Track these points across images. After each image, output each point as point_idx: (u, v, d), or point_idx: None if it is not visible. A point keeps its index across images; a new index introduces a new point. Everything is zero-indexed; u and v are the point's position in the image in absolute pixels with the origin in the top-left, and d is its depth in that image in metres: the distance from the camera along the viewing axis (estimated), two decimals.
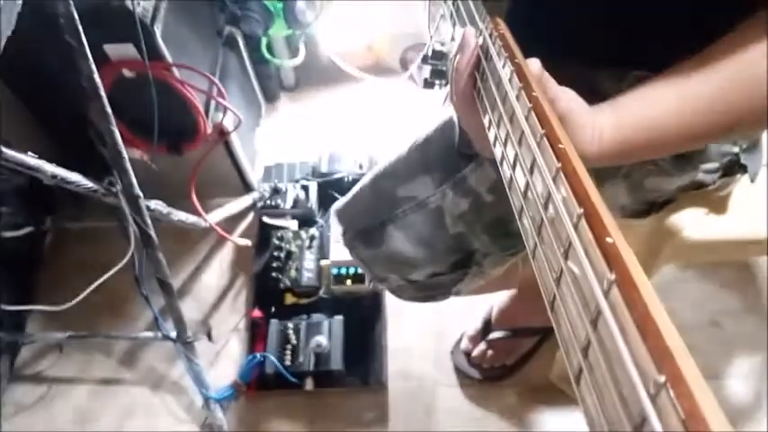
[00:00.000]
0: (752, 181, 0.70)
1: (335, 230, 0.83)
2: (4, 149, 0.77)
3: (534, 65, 0.44)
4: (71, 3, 0.82)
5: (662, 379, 0.20)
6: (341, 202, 0.83)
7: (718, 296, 1.18)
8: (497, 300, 1.15)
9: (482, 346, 1.14)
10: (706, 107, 0.47)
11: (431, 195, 0.73)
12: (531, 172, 0.34)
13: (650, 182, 0.69)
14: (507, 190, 0.39)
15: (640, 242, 0.76)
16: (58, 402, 1.22)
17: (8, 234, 1.23)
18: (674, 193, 0.71)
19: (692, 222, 0.72)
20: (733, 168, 0.69)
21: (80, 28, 0.83)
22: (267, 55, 1.48)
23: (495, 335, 1.13)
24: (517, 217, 0.36)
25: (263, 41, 1.46)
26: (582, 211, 0.27)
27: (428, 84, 0.66)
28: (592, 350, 0.25)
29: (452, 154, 0.72)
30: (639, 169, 0.67)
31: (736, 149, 0.67)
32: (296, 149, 1.50)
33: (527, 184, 0.35)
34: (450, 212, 0.72)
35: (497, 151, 0.42)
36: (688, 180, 0.69)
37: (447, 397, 1.15)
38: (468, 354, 1.16)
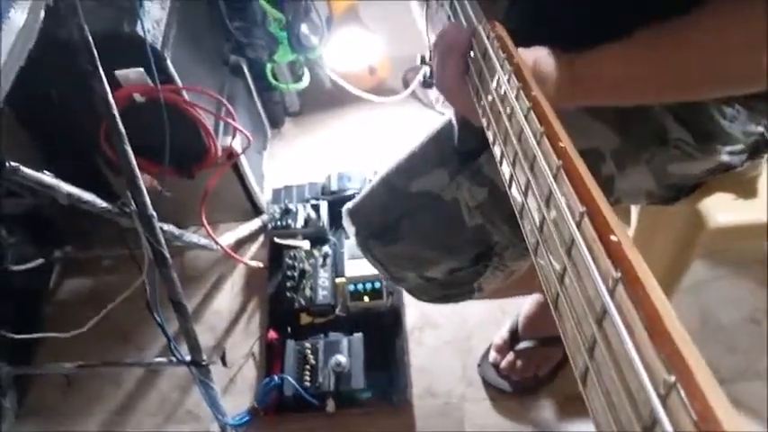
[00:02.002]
0: None
1: (348, 231, 0.82)
2: (23, 168, 0.76)
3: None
4: (85, 27, 0.83)
5: (672, 379, 0.19)
6: (352, 202, 0.82)
7: (754, 293, 1.15)
8: (523, 308, 1.12)
9: (510, 356, 1.10)
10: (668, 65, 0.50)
11: (445, 188, 0.72)
12: (532, 170, 0.34)
13: (674, 166, 0.68)
14: (508, 189, 0.39)
15: (676, 229, 0.75)
16: None
17: (17, 267, 1.21)
18: (702, 177, 0.70)
19: (722, 207, 0.71)
20: (760, 148, 0.68)
21: (94, 51, 0.84)
22: (272, 80, 1.50)
23: (523, 345, 1.09)
24: (518, 216, 0.36)
25: (268, 67, 1.48)
26: (584, 209, 0.27)
27: (427, 83, 0.67)
28: (598, 350, 0.24)
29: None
30: (661, 154, 0.67)
31: (761, 129, 0.67)
32: (303, 172, 1.50)
33: (528, 183, 0.35)
34: (467, 204, 0.71)
35: (497, 151, 0.42)
36: (714, 163, 0.68)
37: (477, 413, 1.11)
38: (496, 366, 1.12)
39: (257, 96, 1.54)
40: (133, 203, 0.96)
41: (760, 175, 0.71)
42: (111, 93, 0.88)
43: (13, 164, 0.73)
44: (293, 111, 1.68)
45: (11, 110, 1.16)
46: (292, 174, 1.51)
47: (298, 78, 1.55)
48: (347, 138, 1.60)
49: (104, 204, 0.93)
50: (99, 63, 0.85)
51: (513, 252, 0.74)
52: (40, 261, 1.26)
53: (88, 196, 0.89)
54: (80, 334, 1.07)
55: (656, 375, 0.20)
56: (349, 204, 0.82)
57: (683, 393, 0.19)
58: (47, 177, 0.80)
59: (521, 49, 0.48)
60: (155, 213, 0.98)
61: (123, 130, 0.92)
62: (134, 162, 0.94)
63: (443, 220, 0.73)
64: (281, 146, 1.61)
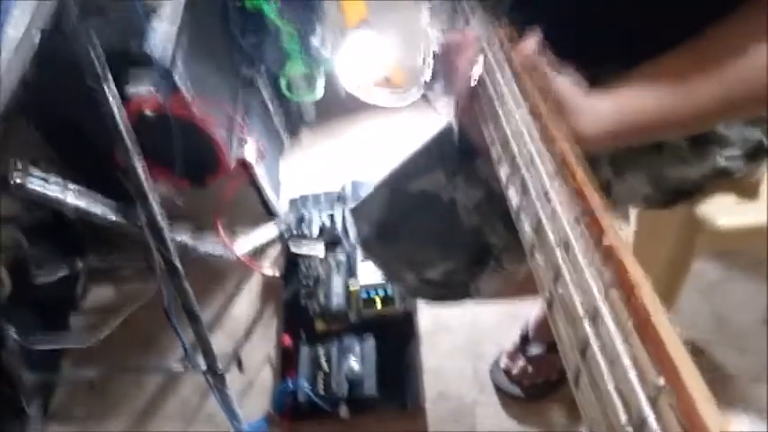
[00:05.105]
0: None
1: (352, 231, 0.84)
2: (27, 184, 0.79)
3: (528, 46, 0.46)
4: (92, 49, 0.86)
5: (661, 382, 0.20)
6: (357, 202, 0.84)
7: (765, 295, 1.12)
8: (533, 312, 1.11)
9: (521, 362, 1.10)
10: (700, 97, 0.48)
11: (443, 188, 0.73)
12: (529, 172, 0.35)
13: (671, 171, 0.67)
14: (505, 190, 0.39)
15: (672, 233, 0.73)
16: None
17: (43, 279, 1.26)
18: (700, 182, 0.69)
19: (723, 210, 0.70)
20: (758, 153, 0.66)
21: (101, 72, 0.87)
22: (286, 92, 1.52)
23: (533, 350, 1.09)
24: (514, 217, 0.36)
25: (282, 79, 1.51)
26: (581, 211, 0.27)
27: (428, 85, 0.67)
28: (590, 351, 0.25)
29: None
30: (657, 159, 0.66)
31: (758, 134, 0.65)
32: (319, 180, 1.52)
33: (525, 184, 0.35)
34: (465, 204, 0.72)
35: (494, 152, 0.42)
36: (710, 168, 0.66)
37: (489, 417, 1.11)
38: (508, 371, 1.12)
39: (273, 106, 1.57)
40: (143, 216, 0.98)
41: (762, 179, 0.69)
42: (122, 107, 0.91)
43: (18, 180, 0.76)
44: (309, 119, 1.70)
45: (29, 121, 1.21)
46: (309, 180, 1.53)
47: (312, 89, 1.58)
48: (363, 144, 1.62)
49: (114, 217, 0.96)
50: (107, 81, 0.88)
51: (510, 254, 0.74)
52: (64, 272, 1.31)
53: (97, 209, 0.92)
54: (104, 340, 1.11)
55: (646, 378, 0.21)
56: (353, 204, 0.84)
57: (671, 396, 0.19)
58: (51, 192, 0.83)
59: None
60: (164, 225, 1.00)
61: (132, 144, 0.94)
62: (143, 175, 0.97)
63: (441, 220, 0.74)
64: (299, 154, 1.64)
